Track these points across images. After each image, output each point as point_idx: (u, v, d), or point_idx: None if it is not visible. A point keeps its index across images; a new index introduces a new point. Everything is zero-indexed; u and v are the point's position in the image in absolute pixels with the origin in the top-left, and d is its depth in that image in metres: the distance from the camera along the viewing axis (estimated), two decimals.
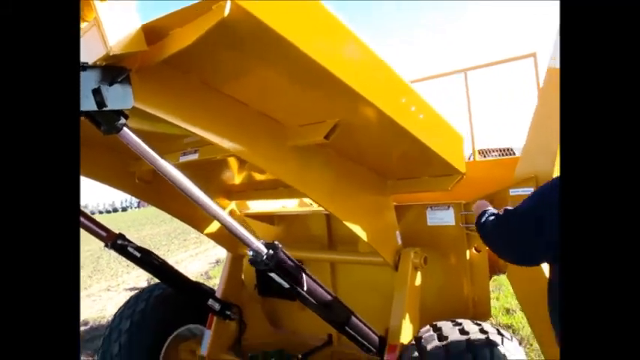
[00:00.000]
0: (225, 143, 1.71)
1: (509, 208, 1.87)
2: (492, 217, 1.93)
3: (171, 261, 11.00)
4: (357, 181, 2.29)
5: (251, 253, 1.81)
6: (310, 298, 2.00)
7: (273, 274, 1.84)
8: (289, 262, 1.85)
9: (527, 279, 2.48)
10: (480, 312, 2.69)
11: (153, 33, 1.27)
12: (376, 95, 1.54)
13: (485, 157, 4.98)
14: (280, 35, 1.20)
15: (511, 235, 1.79)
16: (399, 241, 2.58)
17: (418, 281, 2.50)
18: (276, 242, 1.82)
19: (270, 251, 1.77)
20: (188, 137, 2.38)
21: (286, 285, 1.90)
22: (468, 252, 2.66)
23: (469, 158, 4.54)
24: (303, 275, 1.93)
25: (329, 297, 2.10)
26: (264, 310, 3.75)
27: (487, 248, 2.69)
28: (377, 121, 1.69)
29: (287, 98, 1.73)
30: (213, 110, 1.64)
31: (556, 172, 2.56)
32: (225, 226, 1.72)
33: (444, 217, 2.68)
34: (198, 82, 1.56)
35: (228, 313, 3.33)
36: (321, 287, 2.07)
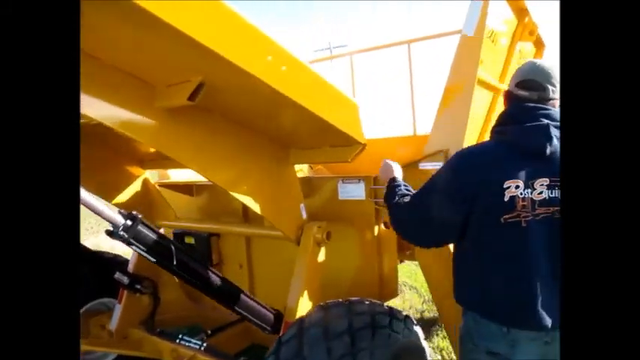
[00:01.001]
0: None
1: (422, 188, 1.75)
2: (407, 199, 1.79)
3: (103, 235, 10.76)
4: (250, 150, 2.12)
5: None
6: (184, 274, 1.86)
7: (134, 247, 1.68)
8: (151, 234, 1.69)
9: (432, 255, 2.40)
10: (387, 290, 2.61)
11: None
12: (231, 50, 1.36)
13: None
14: None
15: (423, 214, 1.67)
16: (304, 215, 2.44)
17: (320, 257, 2.38)
18: (134, 212, 1.65)
19: (128, 222, 1.61)
20: None
21: (152, 259, 1.75)
22: (376, 228, 2.54)
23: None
24: (173, 249, 1.78)
25: (207, 273, 1.95)
26: (183, 284, 3.60)
27: None
28: (244, 82, 1.51)
29: (142, 52, 1.53)
30: None
31: (472, 140, 2.45)
32: None
33: (354, 191, 2.55)
34: None
35: (139, 286, 3.16)
36: (199, 263, 1.93)
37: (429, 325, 4.33)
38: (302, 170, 4.54)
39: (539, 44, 3.64)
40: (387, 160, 2.09)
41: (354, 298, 2.05)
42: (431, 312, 4.60)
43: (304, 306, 2.25)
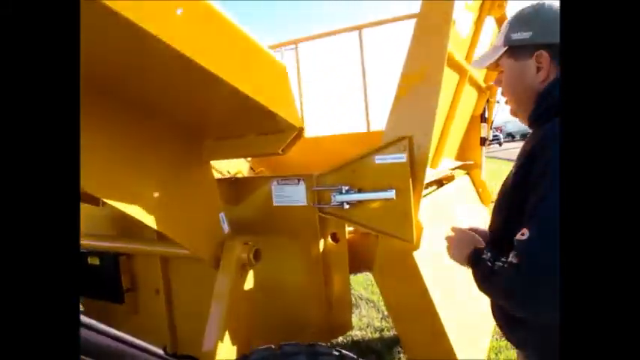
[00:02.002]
0: None
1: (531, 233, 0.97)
2: (505, 263, 1.02)
3: None
4: (138, 141, 1.50)
5: None
6: None
7: None
8: None
9: (396, 273, 1.86)
10: (338, 323, 2.03)
11: None
12: None
13: None
14: None
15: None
16: (225, 229, 1.84)
17: (248, 285, 1.78)
18: None
19: None
20: None
21: None
22: (322, 242, 1.97)
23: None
24: None
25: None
26: (86, 314, 2.90)
27: (347, 237, 2.03)
28: (100, 20, 0.91)
29: None
30: None
31: (437, 130, 1.94)
32: None
33: (292, 195, 1.97)
34: None
35: None
36: None
37: (389, 346, 3.81)
38: (241, 172, 3.93)
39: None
40: (458, 229, 1.36)
41: (287, 346, 1.46)
42: (391, 330, 4.07)
43: (225, 352, 1.65)
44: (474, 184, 3.89)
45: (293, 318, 2.00)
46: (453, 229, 1.35)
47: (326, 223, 1.96)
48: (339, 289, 2.00)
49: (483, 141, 3.82)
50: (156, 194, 1.53)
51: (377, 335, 4.05)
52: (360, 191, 1.78)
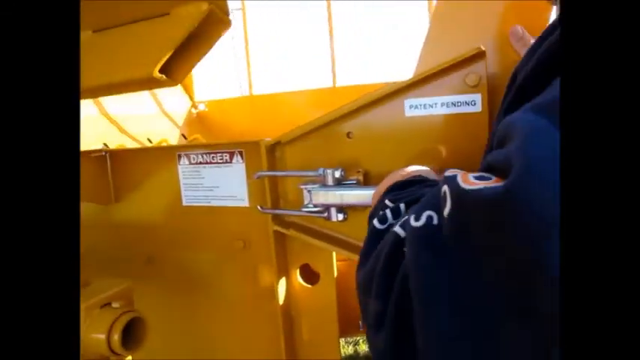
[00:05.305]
0: None
1: None
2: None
3: None
4: None
5: None
6: None
7: None
8: None
9: None
10: None
11: None
12: None
13: None
14: None
15: None
16: None
17: None
18: None
19: None
20: None
21: None
22: (282, 283, 0.97)
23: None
24: None
25: None
26: None
27: (335, 272, 1.04)
28: None
29: None
30: None
31: None
32: None
33: (221, 186, 0.96)
34: None
35: None
36: None
37: None
38: (166, 142, 2.76)
39: None
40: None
41: None
42: None
43: None
44: None
45: None
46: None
47: (291, 247, 0.96)
48: None
49: None
50: None
51: None
52: (366, 183, 0.79)
